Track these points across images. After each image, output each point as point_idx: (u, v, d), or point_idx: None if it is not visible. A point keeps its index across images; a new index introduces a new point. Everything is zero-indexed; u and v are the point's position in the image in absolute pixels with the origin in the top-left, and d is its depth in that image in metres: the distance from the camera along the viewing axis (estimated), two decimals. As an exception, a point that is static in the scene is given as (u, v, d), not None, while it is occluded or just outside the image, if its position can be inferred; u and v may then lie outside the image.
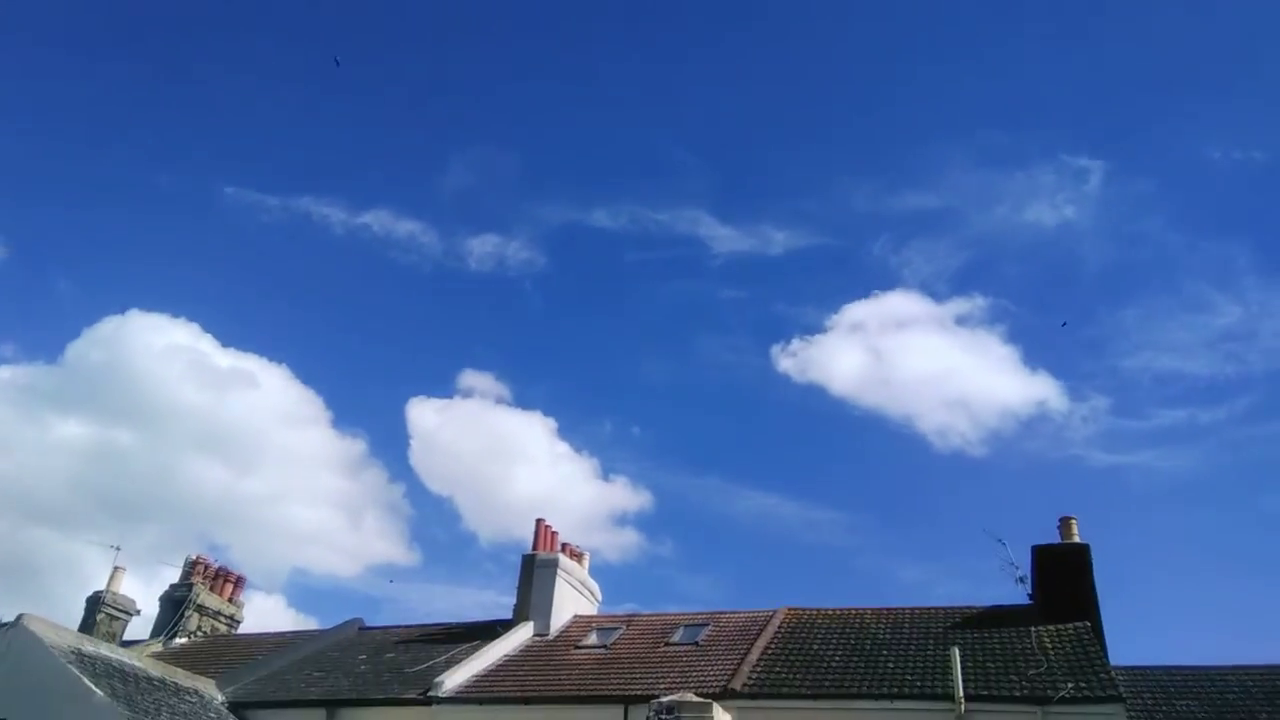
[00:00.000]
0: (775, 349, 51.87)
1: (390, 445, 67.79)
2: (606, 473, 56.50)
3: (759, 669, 14.37)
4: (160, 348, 45.81)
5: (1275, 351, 45.57)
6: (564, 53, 61.67)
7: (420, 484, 63.86)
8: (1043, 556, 15.74)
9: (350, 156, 60.75)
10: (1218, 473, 44.91)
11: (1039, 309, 51.41)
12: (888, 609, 16.48)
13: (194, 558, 22.56)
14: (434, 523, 58.57)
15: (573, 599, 19.41)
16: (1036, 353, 52.12)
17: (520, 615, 18.40)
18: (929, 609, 16.24)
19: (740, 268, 57.60)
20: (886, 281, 56.27)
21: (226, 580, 22.82)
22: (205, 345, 47.33)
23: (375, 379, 60.08)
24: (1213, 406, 45.52)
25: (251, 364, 49.41)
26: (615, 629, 17.88)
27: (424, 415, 52.12)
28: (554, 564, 19.00)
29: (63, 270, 57.28)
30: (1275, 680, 14.28)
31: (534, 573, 18.94)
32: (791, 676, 14.05)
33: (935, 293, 53.15)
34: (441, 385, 69.83)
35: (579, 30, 61.45)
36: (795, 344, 50.91)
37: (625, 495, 51.71)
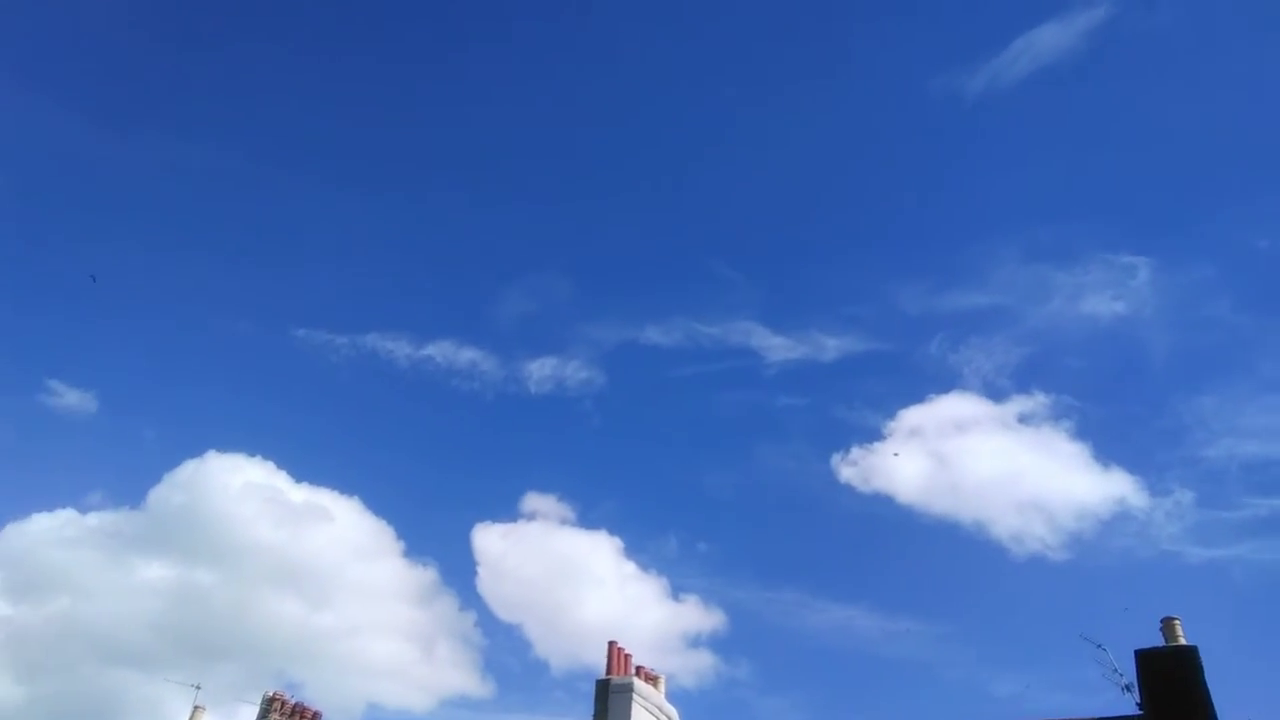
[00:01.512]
0: (836, 458, 50.94)
1: (459, 573, 67.73)
2: (676, 592, 55.27)
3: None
4: (237, 487, 47.21)
5: (1368, 430, 43.09)
6: (609, 178, 64.24)
7: (489, 612, 63.22)
8: (1148, 661, 14.75)
9: (413, 293, 63.57)
10: (1325, 563, 41.85)
11: (1105, 402, 49.75)
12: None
13: (271, 695, 22.51)
14: (505, 651, 57.64)
15: (651, 725, 18.70)
16: (1107, 448, 50.15)
17: (597, 744, 17.76)
18: (1029, 724, 15.24)
19: (795, 376, 57.55)
20: (944, 383, 55.50)
21: (303, 716, 22.63)
22: (280, 482, 48.64)
23: (443, 506, 60.73)
24: (1310, 489, 42.89)
25: (325, 498, 50.45)
26: (696, 756, 17.10)
27: (489, 541, 52.17)
28: (629, 688, 18.41)
29: (147, 418, 60.07)
30: None
31: (609, 699, 18.36)
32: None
33: (994, 392, 52.03)
34: (505, 509, 70.08)
35: (622, 155, 64.13)
36: (855, 452, 50.01)
37: (697, 615, 50.34)
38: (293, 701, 22.84)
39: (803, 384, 57.57)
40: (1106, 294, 49.83)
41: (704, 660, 49.18)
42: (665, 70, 63.72)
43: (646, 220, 63.46)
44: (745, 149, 62.88)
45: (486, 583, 54.76)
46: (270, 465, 49.81)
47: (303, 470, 69.82)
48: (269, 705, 22.31)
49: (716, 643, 53.08)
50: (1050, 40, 52.06)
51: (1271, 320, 48.16)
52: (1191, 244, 51.71)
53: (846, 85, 60.45)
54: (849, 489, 50.69)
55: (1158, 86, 52.37)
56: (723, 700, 48.00)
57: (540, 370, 59.38)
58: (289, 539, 47.17)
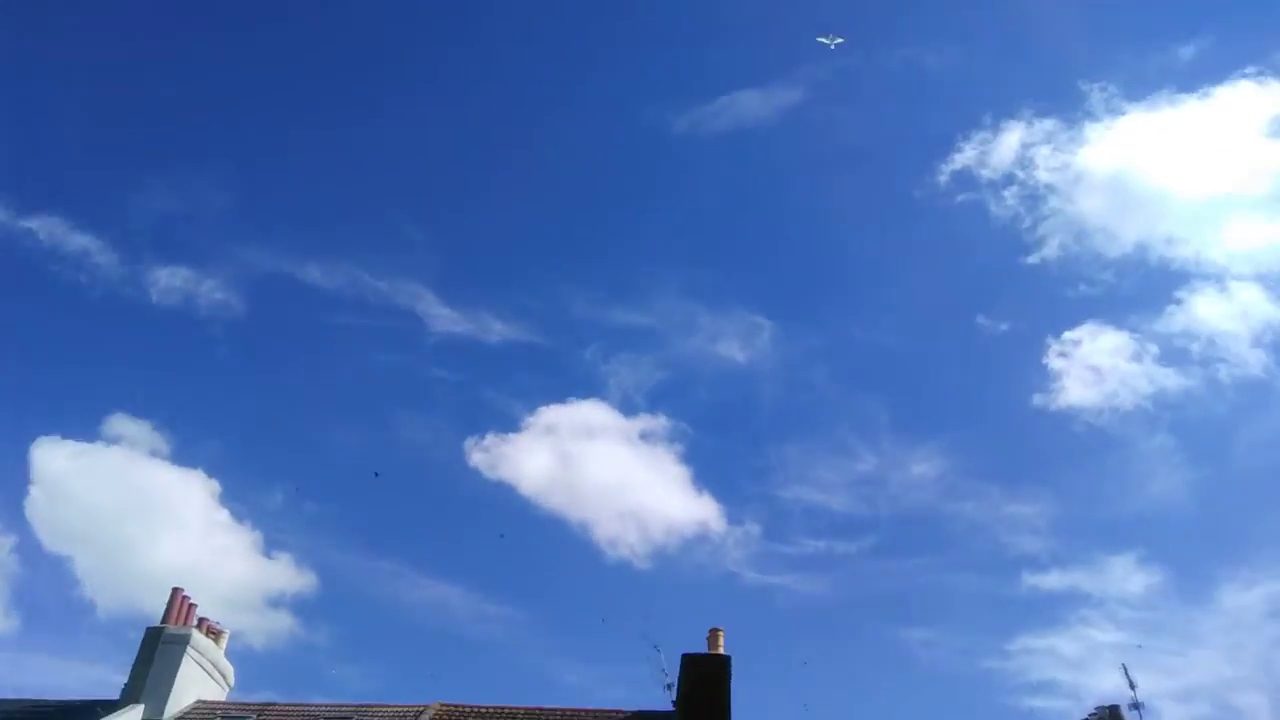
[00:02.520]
0: (469, 441, 51.29)
1: (4, 489, 57.47)
2: (270, 548, 51.46)
3: (397, 767, 13.58)
4: None
5: (898, 499, 53.02)
6: (307, 94, 59.23)
7: (35, 539, 54.41)
8: (689, 664, 16.55)
9: (25, 150, 53.15)
10: (845, 600, 50.58)
11: (714, 435, 55.82)
12: (539, 709, 16.41)
13: None
14: (45, 586, 49.83)
15: (201, 682, 17.32)
16: (705, 475, 56.25)
17: (130, 696, 16.08)
18: (581, 710, 16.38)
19: (454, 351, 56.89)
20: (588, 389, 58.35)
21: None
22: None
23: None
24: (847, 541, 51.60)
25: None
26: (244, 718, 16.14)
27: (53, 459, 44.72)
28: (184, 640, 16.92)
29: None
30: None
31: (158, 648, 16.73)
32: (430, 775, 13.41)
33: (628, 407, 55.96)
34: (83, 427, 60.67)
35: (329, 80, 59.55)
36: (490, 438, 50.98)
37: (287, 574, 47.36)
38: None
39: (460, 361, 57.08)
40: (736, 343, 56.37)
41: (282, 622, 46.46)
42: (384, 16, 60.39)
43: (337, 152, 58.92)
44: (458, 115, 61.41)
45: (38, 505, 46.88)
46: None
47: None
48: None
49: (300, 605, 50.31)
50: (750, 106, 57.67)
51: (852, 396, 57.22)
52: (807, 320, 60.18)
53: (567, 89, 61.67)
54: (476, 473, 51.34)
55: (824, 172, 60.33)
56: (292, 664, 45.69)
57: (169, 279, 52.30)
58: None
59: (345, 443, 54.02)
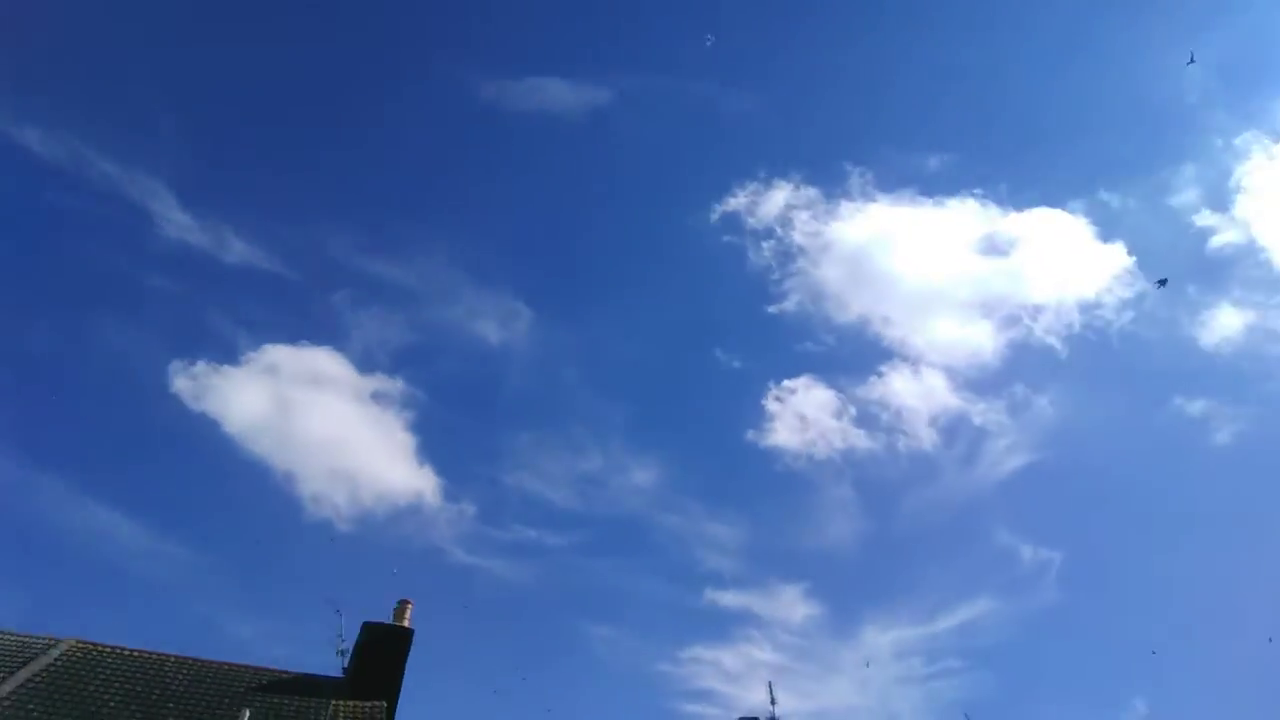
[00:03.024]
0: (176, 364, 46.59)
1: None
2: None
3: (9, 704, 12.03)
4: None
5: (614, 501, 55.27)
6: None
7: None
8: (370, 633, 16.15)
9: None
10: (544, 590, 51.77)
11: (450, 409, 54.96)
12: (194, 659, 15.21)
13: None
14: None
15: None
16: (431, 448, 55.47)
17: None
18: (239, 666, 15.38)
19: (183, 262, 51.19)
20: (326, 335, 55.28)
21: None
22: None
23: None
24: (558, 534, 52.87)
25: None
26: None
27: None
28: None
29: None
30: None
31: None
32: (47, 717, 12.00)
33: (366, 363, 53.60)
34: None
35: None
36: (200, 366, 46.57)
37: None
38: None
39: (186, 273, 51.21)
40: (493, 323, 55.88)
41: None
42: None
43: (89, 8, 51.03)
44: (246, 6, 55.63)
45: None
46: None
47: None
48: None
49: (-78, 510, 43.07)
50: (558, 95, 57.50)
51: (593, 397, 58.68)
52: (566, 316, 61.00)
53: (373, 17, 57.99)
54: (176, 399, 46.55)
55: (611, 180, 61.37)
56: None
57: None
58: None
59: (26, 336, 46.96)
